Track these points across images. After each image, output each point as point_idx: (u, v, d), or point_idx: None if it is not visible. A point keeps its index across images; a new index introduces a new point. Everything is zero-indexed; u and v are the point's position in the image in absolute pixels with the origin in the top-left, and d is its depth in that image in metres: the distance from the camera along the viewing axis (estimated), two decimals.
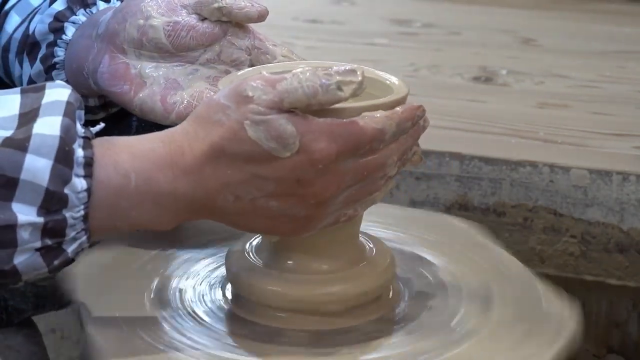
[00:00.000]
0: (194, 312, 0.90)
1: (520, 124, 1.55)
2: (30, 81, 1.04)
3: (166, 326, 0.88)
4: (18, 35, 1.06)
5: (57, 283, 1.04)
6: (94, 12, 1.02)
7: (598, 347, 1.51)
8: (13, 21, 1.07)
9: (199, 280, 0.96)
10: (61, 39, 1.02)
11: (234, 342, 0.87)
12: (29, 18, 1.06)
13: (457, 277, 0.96)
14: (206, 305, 0.92)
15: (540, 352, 0.85)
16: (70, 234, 0.79)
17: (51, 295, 1.07)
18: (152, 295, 0.93)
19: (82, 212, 0.79)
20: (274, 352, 0.86)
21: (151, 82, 0.96)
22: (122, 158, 0.80)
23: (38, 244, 0.78)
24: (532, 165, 1.43)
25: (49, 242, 0.78)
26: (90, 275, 0.96)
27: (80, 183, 0.78)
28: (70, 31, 1.02)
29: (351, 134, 0.81)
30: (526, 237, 1.44)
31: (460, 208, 1.46)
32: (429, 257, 1.00)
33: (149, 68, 0.96)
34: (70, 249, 0.80)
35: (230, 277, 0.92)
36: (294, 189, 0.81)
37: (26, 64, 1.04)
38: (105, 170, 0.80)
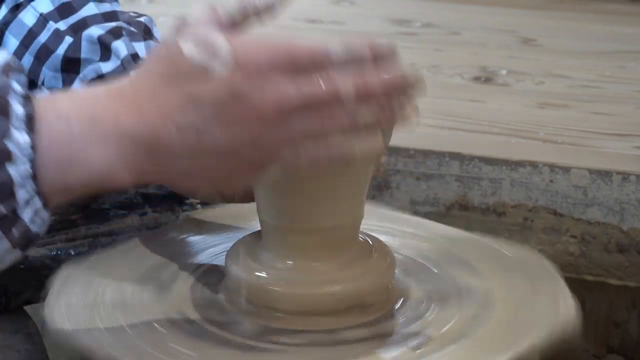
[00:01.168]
0: (193, 311, 0.90)
1: (520, 124, 1.55)
2: None
3: (164, 325, 0.88)
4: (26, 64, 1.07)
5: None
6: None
7: (598, 347, 1.51)
8: (11, 44, 1.08)
9: (199, 278, 0.96)
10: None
11: (233, 342, 0.87)
12: (35, 53, 1.07)
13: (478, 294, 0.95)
14: (205, 304, 0.92)
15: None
16: (21, 194, 0.76)
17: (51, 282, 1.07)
18: (151, 294, 0.93)
19: (28, 169, 0.76)
20: (273, 352, 0.86)
21: None
22: (63, 105, 0.78)
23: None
24: (532, 165, 1.44)
25: (1, 208, 0.76)
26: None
27: (22, 136, 0.76)
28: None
29: (287, 45, 0.78)
30: (526, 237, 1.45)
31: (460, 208, 1.46)
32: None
33: None
34: (26, 217, 0.77)
35: (230, 277, 0.92)
36: (232, 108, 0.77)
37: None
38: (47, 121, 0.77)
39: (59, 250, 1.07)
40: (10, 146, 0.75)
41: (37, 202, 0.77)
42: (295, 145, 0.78)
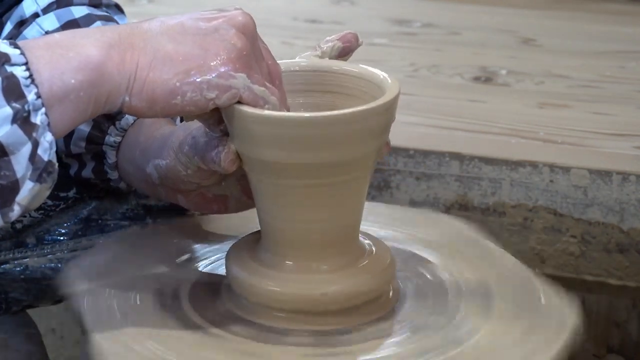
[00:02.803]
0: (193, 311, 0.90)
1: (520, 124, 1.55)
2: (82, 178, 1.07)
3: (164, 325, 0.88)
4: None
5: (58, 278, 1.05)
6: (123, 125, 1.02)
7: (598, 347, 1.51)
8: None
9: (200, 279, 0.96)
10: (106, 161, 1.03)
11: (233, 342, 0.87)
12: None
13: (454, 275, 0.96)
14: (206, 305, 0.92)
15: (544, 348, 0.85)
16: (28, 94, 0.79)
17: (51, 291, 1.07)
18: (153, 295, 0.93)
19: (25, 72, 0.79)
20: (274, 353, 0.86)
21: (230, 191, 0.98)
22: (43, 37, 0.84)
23: (7, 109, 0.78)
24: (532, 165, 1.44)
25: (15, 105, 0.78)
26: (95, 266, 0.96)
27: (12, 50, 0.80)
28: (111, 154, 1.03)
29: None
30: (526, 237, 1.45)
31: (460, 208, 1.46)
32: (424, 254, 0.99)
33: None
34: (38, 120, 0.79)
35: (230, 277, 0.92)
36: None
37: (74, 164, 1.06)
38: (33, 41, 0.82)
39: (60, 261, 1.07)
40: (6, 51, 0.79)
41: (41, 107, 0.80)
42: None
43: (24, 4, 1.11)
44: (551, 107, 1.63)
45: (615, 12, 2.17)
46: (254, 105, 0.85)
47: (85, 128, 1.03)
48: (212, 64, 0.84)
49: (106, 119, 1.02)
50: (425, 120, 1.57)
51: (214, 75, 0.84)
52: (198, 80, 0.83)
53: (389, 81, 0.90)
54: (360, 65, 0.94)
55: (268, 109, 0.86)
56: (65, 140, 1.04)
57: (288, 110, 0.90)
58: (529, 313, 0.90)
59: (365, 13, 2.19)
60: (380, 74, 0.92)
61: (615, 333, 1.50)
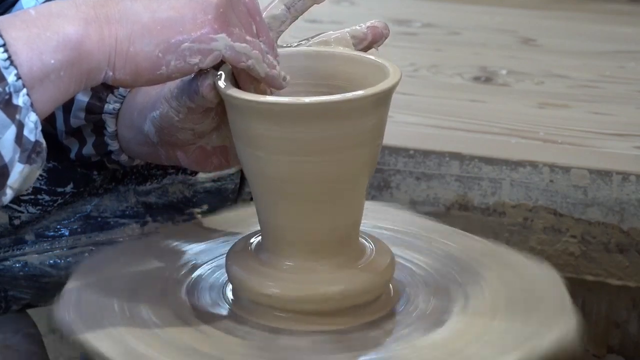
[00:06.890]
0: (193, 312, 0.90)
1: (520, 124, 1.55)
2: (83, 157, 1.06)
3: (166, 324, 0.88)
4: None
5: (59, 279, 1.05)
6: (122, 92, 1.01)
7: (598, 347, 1.51)
8: None
9: (201, 279, 0.96)
10: (106, 131, 1.03)
11: (233, 343, 0.87)
12: None
13: (447, 274, 0.96)
14: (206, 305, 0.92)
15: (543, 341, 0.85)
16: (7, 76, 0.78)
17: (52, 289, 1.07)
18: (153, 294, 0.93)
19: (4, 54, 0.79)
20: (274, 353, 0.86)
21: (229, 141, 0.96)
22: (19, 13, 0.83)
23: None
24: (532, 165, 1.44)
25: None
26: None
27: None
28: (111, 122, 1.02)
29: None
30: (526, 237, 1.45)
31: (460, 208, 1.46)
32: (409, 252, 0.99)
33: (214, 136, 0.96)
34: (20, 101, 0.79)
35: (230, 277, 0.92)
36: None
37: (75, 144, 1.05)
38: (7, 20, 0.81)
39: (60, 258, 1.07)
40: None
41: (22, 88, 0.79)
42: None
43: (22, 1, 1.11)
44: (551, 107, 1.64)
45: (615, 12, 2.17)
46: (237, 63, 0.85)
47: (84, 98, 1.02)
48: (191, 28, 0.84)
49: (104, 87, 1.02)
50: (425, 120, 1.57)
51: (194, 40, 0.84)
52: (180, 48, 0.83)
53: (389, 68, 0.90)
54: (358, 52, 0.95)
55: (251, 64, 0.86)
56: (64, 116, 1.04)
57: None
58: (526, 305, 0.90)
59: (365, 13, 2.20)
60: (379, 60, 0.92)
61: (615, 333, 1.50)
